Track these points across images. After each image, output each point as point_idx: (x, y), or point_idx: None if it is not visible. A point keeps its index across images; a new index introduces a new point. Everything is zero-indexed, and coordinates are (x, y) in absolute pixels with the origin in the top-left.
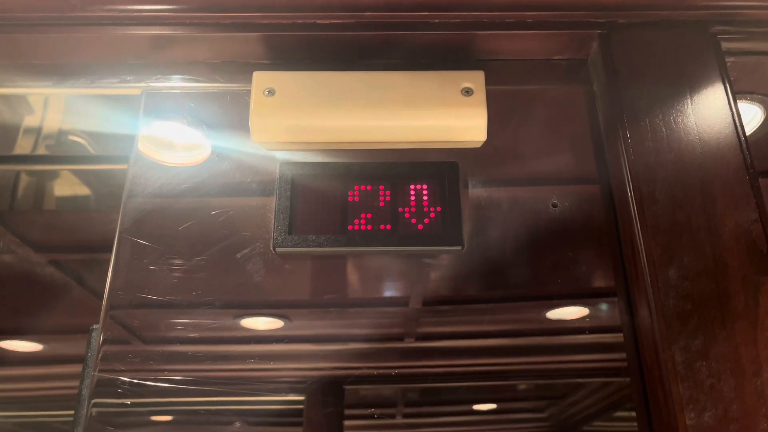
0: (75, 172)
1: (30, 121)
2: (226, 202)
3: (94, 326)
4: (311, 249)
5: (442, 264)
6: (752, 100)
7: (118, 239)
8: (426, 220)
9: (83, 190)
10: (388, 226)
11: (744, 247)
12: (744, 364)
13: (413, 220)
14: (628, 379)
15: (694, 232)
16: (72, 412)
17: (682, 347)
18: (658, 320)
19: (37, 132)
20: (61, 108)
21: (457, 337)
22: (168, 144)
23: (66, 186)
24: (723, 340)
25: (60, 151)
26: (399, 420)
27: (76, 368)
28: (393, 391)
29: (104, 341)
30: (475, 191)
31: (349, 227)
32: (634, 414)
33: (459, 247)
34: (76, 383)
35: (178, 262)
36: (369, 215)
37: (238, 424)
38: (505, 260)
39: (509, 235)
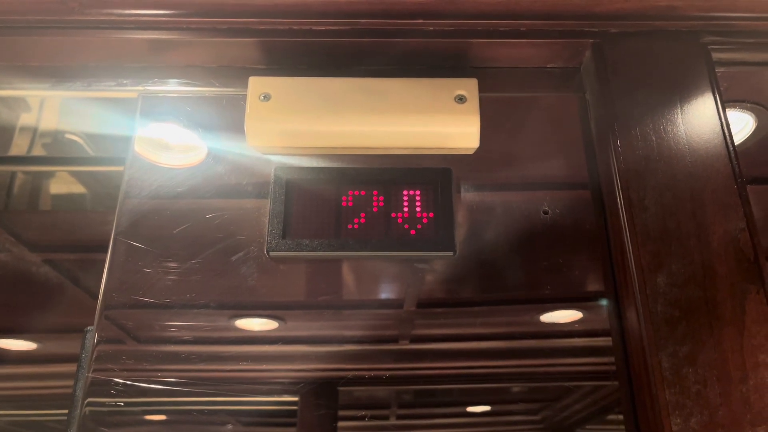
0: (71, 173)
1: (27, 122)
2: (221, 205)
3: (89, 328)
4: (305, 253)
5: (436, 268)
6: (743, 108)
7: (114, 240)
8: (419, 226)
9: (79, 191)
10: (381, 231)
11: (732, 255)
12: (730, 371)
13: (406, 226)
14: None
15: (683, 239)
16: (66, 411)
17: (670, 353)
18: (646, 326)
19: (33, 133)
20: (57, 109)
21: (451, 339)
22: (164, 146)
23: (62, 186)
24: (710, 346)
25: (57, 152)
26: (392, 421)
27: (70, 368)
28: (387, 392)
29: (98, 341)
30: (468, 197)
31: (343, 232)
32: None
33: (451, 253)
34: (70, 382)
35: (172, 264)
36: (362, 220)
37: (230, 426)
38: (498, 264)
39: (502, 239)
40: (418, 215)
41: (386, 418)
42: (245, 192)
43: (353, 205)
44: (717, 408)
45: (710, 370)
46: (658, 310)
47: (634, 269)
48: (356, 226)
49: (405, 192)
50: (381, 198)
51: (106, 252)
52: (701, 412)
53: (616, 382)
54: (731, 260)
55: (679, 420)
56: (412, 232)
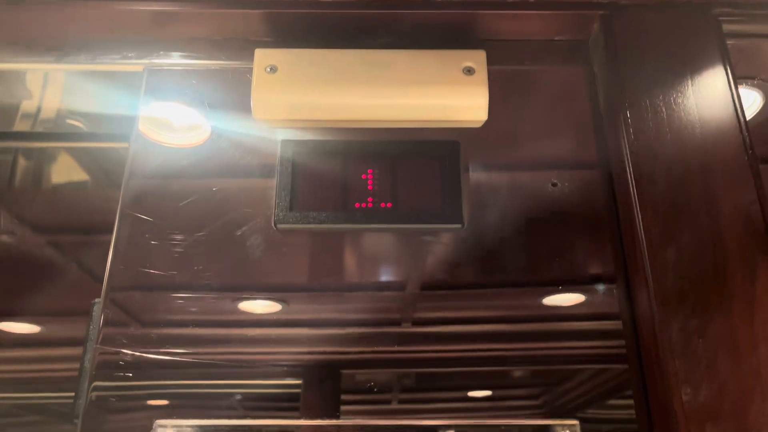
0: (74, 151)
1: (29, 98)
2: (227, 182)
3: (96, 300)
4: (312, 225)
5: (439, 248)
6: (751, 85)
7: (119, 219)
8: (427, 198)
9: (82, 170)
10: (389, 204)
11: (742, 227)
12: (740, 343)
13: (414, 198)
14: (624, 366)
15: (693, 212)
16: (70, 393)
17: (680, 326)
18: (656, 299)
19: (36, 109)
20: (61, 85)
21: (453, 322)
22: (169, 124)
23: (65, 165)
24: (720, 319)
25: (59, 129)
26: (394, 405)
27: (74, 350)
28: (389, 375)
29: (104, 323)
30: (475, 171)
31: (350, 204)
32: (629, 402)
33: (459, 225)
34: (73, 365)
35: (178, 238)
36: (370, 192)
37: (235, 407)
38: (503, 244)
39: (508, 217)
40: (426, 188)
41: (388, 401)
42: (251, 167)
43: (361, 177)
44: (727, 380)
45: (720, 342)
46: (667, 283)
47: (644, 243)
48: (363, 198)
49: (413, 164)
50: (389, 170)
51: (111, 233)
52: (711, 383)
53: (621, 365)
54: (741, 233)
55: (689, 390)
56: (420, 204)
